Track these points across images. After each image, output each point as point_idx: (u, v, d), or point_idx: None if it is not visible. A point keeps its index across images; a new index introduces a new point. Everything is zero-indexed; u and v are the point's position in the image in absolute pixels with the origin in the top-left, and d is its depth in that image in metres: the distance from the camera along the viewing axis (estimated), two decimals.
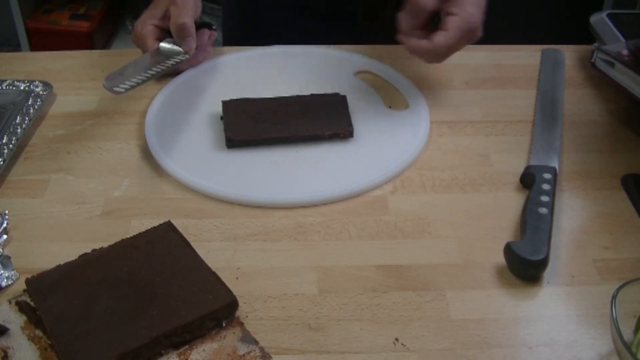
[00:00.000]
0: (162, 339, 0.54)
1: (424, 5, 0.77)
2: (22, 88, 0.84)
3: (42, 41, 2.21)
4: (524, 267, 0.61)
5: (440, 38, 0.77)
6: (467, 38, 0.78)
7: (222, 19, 1.11)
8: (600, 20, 0.93)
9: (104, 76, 0.89)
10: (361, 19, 1.00)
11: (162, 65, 0.82)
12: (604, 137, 0.79)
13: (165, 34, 0.86)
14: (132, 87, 0.75)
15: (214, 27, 0.90)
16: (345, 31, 0.97)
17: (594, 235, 0.67)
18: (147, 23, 0.86)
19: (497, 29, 0.88)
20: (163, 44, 0.85)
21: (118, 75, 0.76)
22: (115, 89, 0.74)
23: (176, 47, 0.85)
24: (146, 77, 0.78)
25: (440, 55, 0.79)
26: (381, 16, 0.99)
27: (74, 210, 0.69)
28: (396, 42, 0.95)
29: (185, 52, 0.84)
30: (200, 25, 0.87)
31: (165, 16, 0.86)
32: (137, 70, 0.78)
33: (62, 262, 0.61)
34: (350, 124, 0.77)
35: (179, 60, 0.83)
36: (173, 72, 0.86)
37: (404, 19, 0.79)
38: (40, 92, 0.84)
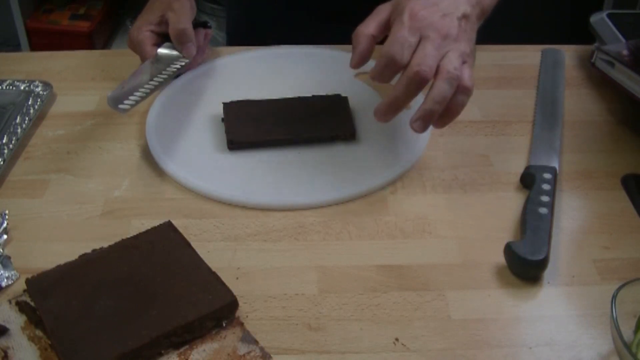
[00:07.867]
0: (162, 339, 0.54)
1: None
2: (22, 88, 0.84)
3: (42, 41, 2.21)
4: (524, 267, 0.61)
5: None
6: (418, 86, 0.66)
7: (227, 20, 1.11)
8: (600, 20, 0.93)
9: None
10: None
11: (164, 74, 0.80)
12: (604, 137, 0.79)
13: (161, 38, 0.85)
14: (137, 102, 0.73)
15: (209, 25, 0.89)
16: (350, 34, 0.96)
17: (594, 235, 0.66)
18: (142, 29, 0.84)
19: (497, 29, 0.88)
20: (161, 50, 0.84)
21: (120, 91, 0.74)
22: (120, 106, 0.72)
23: (175, 52, 0.84)
24: (149, 89, 0.76)
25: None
26: None
27: (74, 210, 0.69)
28: None
29: (185, 57, 0.84)
30: (195, 25, 0.86)
31: (162, 22, 0.85)
32: (139, 83, 0.76)
33: (62, 262, 0.61)
34: (352, 126, 0.77)
35: (179, 67, 0.82)
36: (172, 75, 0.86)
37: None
38: (40, 92, 0.84)
